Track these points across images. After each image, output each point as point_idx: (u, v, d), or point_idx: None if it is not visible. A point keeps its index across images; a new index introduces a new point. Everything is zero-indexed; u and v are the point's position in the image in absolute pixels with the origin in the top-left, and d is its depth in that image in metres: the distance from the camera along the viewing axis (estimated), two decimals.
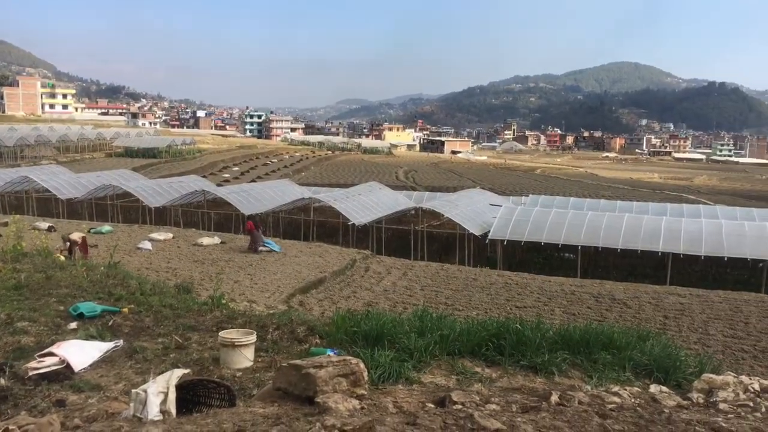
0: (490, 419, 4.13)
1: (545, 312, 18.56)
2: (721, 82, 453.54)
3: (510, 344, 6.86)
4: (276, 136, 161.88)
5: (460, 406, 4.64)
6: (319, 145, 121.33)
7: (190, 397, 5.11)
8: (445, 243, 34.18)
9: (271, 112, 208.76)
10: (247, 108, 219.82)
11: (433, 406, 4.73)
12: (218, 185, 47.12)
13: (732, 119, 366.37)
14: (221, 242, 27.87)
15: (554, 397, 5.03)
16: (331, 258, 25.64)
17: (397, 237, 34.59)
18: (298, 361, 4.90)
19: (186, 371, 5.45)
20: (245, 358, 6.79)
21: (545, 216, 31.43)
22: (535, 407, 4.73)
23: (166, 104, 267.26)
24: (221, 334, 7.05)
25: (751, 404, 5.31)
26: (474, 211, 34.79)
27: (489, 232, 30.68)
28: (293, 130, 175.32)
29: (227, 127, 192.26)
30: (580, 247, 29.04)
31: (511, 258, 31.52)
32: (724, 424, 4.53)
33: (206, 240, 27.78)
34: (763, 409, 5.17)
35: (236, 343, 6.78)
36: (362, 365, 4.90)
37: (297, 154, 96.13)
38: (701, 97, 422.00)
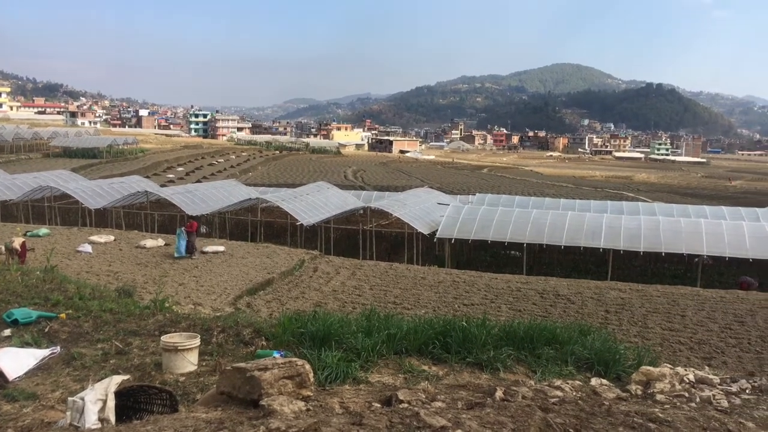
0: (435, 417, 4.16)
1: (492, 309, 18.84)
2: (659, 84, 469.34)
3: (456, 342, 6.93)
4: (222, 135, 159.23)
5: (406, 405, 4.65)
6: (266, 144, 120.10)
7: (130, 404, 4.97)
8: (393, 242, 34.33)
9: (217, 112, 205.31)
10: (192, 107, 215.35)
11: (379, 405, 4.73)
12: (162, 186, 46.07)
13: (669, 119, 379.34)
14: (165, 244, 27.22)
15: (499, 393, 5.10)
16: (279, 259, 25.40)
17: (345, 237, 34.54)
18: (242, 364, 4.83)
19: (126, 377, 5.31)
20: (189, 363, 6.66)
21: (492, 214, 31.91)
22: (480, 403, 4.79)
23: (107, 103, 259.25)
24: (163, 338, 6.89)
25: (686, 395, 5.51)
26: (422, 210, 35.04)
27: (437, 230, 30.95)
28: (240, 129, 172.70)
29: (171, 126, 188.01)
30: (525, 245, 29.58)
31: (459, 256, 31.90)
32: (660, 415, 4.68)
33: (150, 242, 27.10)
34: (698, 399, 5.36)
35: (179, 348, 6.64)
36: (308, 366, 4.87)
37: (244, 153, 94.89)
38: (640, 98, 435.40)
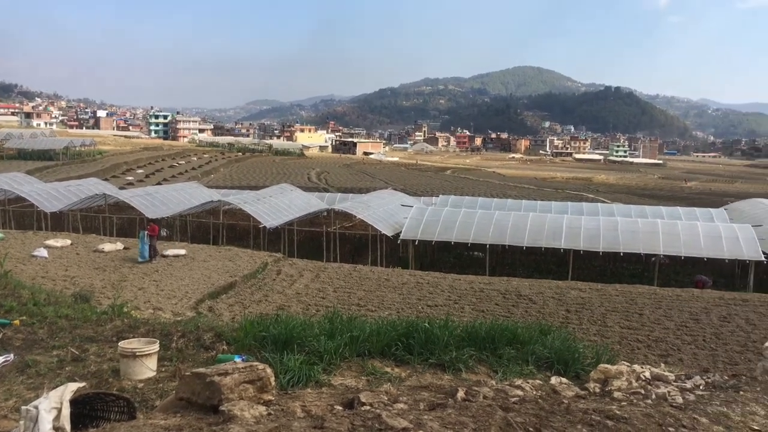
0: (397, 418, 4.17)
1: (455, 310, 18.98)
2: (617, 87, 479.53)
3: (419, 343, 6.96)
4: (183, 137, 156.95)
5: (368, 407, 4.64)
6: (228, 146, 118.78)
7: (86, 412, 4.85)
8: (357, 244, 34.30)
9: (178, 113, 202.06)
10: (152, 108, 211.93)
11: (341, 408, 4.71)
12: (121, 188, 45.18)
13: (627, 122, 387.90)
14: (124, 248, 26.68)
15: (460, 393, 5.13)
16: (241, 262, 25.14)
17: (309, 239, 34.37)
18: (202, 369, 4.75)
19: (82, 385, 5.18)
20: (147, 369, 6.54)
21: (455, 216, 32.15)
22: (441, 404, 4.81)
23: (63, 104, 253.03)
24: (121, 344, 6.76)
25: (643, 392, 5.62)
26: (386, 211, 35.09)
27: (401, 232, 31.04)
28: (201, 131, 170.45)
29: (131, 127, 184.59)
30: (488, 246, 29.88)
31: (423, 258, 32.05)
32: (617, 412, 4.77)
33: (108, 246, 26.53)
34: (654, 396, 5.47)
35: (137, 353, 6.52)
36: (269, 370, 4.82)
37: (206, 155, 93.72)
38: (599, 101, 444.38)
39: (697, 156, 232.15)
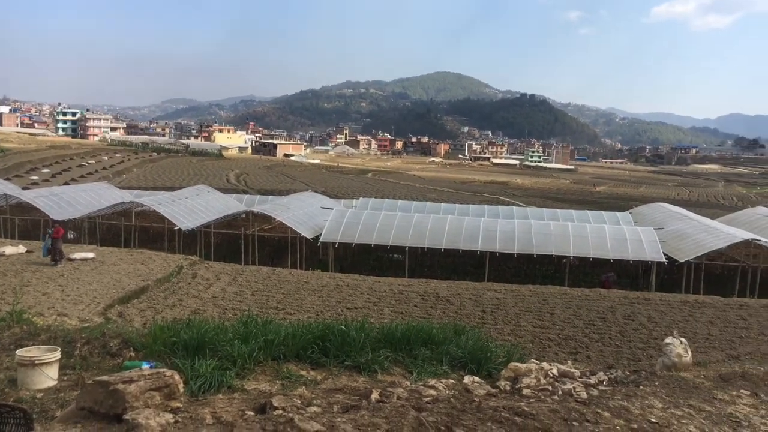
0: (310, 422, 4.13)
1: (375, 312, 19.06)
2: (531, 95, 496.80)
3: (335, 345, 6.92)
4: (94, 135, 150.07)
5: (281, 411, 4.58)
6: (142, 146, 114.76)
7: None
8: (277, 247, 33.89)
9: (88, 110, 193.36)
10: (60, 105, 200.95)
11: (252, 413, 4.62)
12: (24, 188, 42.74)
13: (541, 128, 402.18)
14: (27, 251, 25.22)
15: (375, 395, 5.14)
16: (155, 265, 24.28)
17: (227, 242, 33.66)
18: (105, 377, 4.55)
19: None
20: (47, 378, 6.19)
21: (375, 218, 32.31)
22: (355, 406, 4.80)
23: None
24: (18, 352, 6.38)
25: (550, 388, 5.82)
26: (306, 214, 34.84)
27: (321, 235, 30.89)
28: (114, 129, 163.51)
29: (36, 125, 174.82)
30: (407, 248, 30.20)
31: (343, 260, 32.02)
32: (526, 408, 4.92)
33: (9, 249, 24.99)
34: (560, 392, 5.68)
35: (36, 362, 6.17)
36: (177, 377, 4.68)
37: (118, 155, 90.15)
38: (515, 107, 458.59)
39: (606, 162, 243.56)
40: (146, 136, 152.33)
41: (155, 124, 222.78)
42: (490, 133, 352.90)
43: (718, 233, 31.01)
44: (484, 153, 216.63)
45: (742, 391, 6.42)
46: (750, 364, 9.90)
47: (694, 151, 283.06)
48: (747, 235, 30.08)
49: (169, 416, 4.29)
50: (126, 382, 4.42)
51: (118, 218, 35.09)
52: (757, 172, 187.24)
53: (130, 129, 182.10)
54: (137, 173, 73.06)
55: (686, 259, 28.48)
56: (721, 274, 30.50)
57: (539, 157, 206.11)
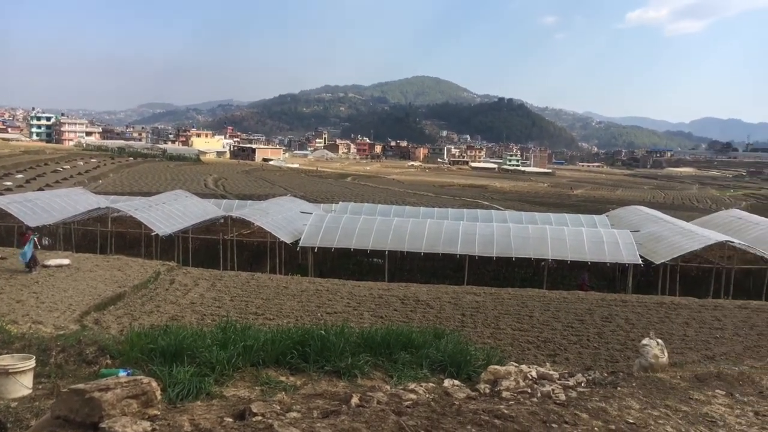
0: (289, 428, 4.10)
1: (355, 316, 19.01)
2: (509, 99, 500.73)
3: (314, 350, 6.90)
4: (69, 140, 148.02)
5: (260, 418, 4.54)
6: (119, 151, 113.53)
7: None
8: (256, 252, 33.69)
9: (63, 114, 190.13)
10: (34, 109, 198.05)
11: (231, 420, 4.57)
12: None
13: (519, 132, 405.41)
14: (1, 258, 24.80)
15: (355, 399, 5.12)
16: (131, 271, 23.99)
17: (205, 247, 33.38)
18: (80, 385, 4.47)
19: None
20: (22, 386, 6.09)
21: (354, 223, 32.27)
22: (335, 411, 4.78)
23: None
24: None
25: (529, 390, 5.85)
26: (285, 218, 34.69)
27: (300, 239, 30.77)
28: (89, 134, 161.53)
29: (10, 129, 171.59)
30: (387, 252, 30.19)
31: (323, 265, 31.91)
32: (505, 411, 4.94)
33: None
34: (539, 394, 5.71)
35: (10, 370, 6.07)
36: (155, 384, 4.61)
37: (93, 160, 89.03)
38: (493, 112, 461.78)
39: (583, 165, 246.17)
40: (123, 141, 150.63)
41: (132, 129, 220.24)
42: (468, 137, 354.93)
43: (693, 235, 31.46)
44: (463, 157, 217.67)
45: (717, 391, 6.52)
46: (725, 365, 10.05)
47: (668, 154, 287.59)
48: (721, 237, 30.55)
49: (146, 424, 4.23)
50: (102, 390, 4.34)
51: (93, 224, 34.64)
52: (730, 175, 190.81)
53: (106, 134, 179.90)
54: (113, 178, 72.25)
55: (662, 261, 28.84)
56: (696, 275, 30.93)
57: (517, 160, 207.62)
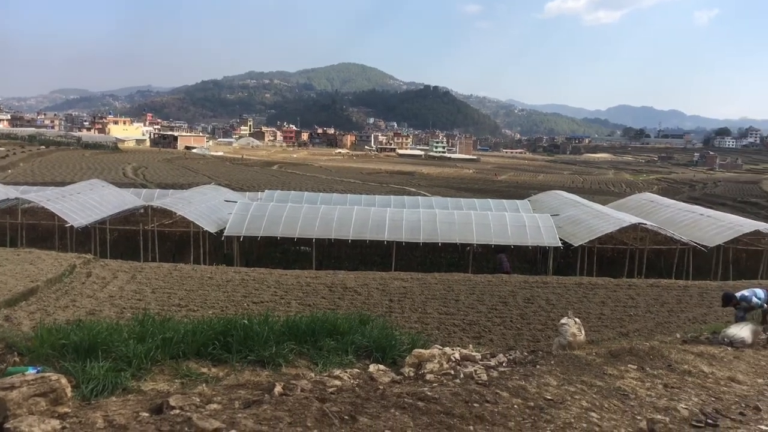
0: (209, 419, 4.01)
1: (282, 305, 18.84)
2: (435, 86, 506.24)
3: (237, 340, 6.75)
4: None
5: (178, 411, 4.41)
6: (29, 138, 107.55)
7: None
8: (178, 242, 32.79)
9: None
10: None
11: (148, 414, 4.42)
12: None
13: (444, 119, 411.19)
14: None
15: (278, 388, 5.06)
16: (44, 265, 22.85)
17: (124, 238, 32.23)
18: None
19: None
20: None
21: (281, 211, 31.89)
22: (258, 401, 4.71)
23: None
24: None
25: (452, 372, 5.95)
26: (209, 207, 33.89)
27: (225, 228, 30.15)
28: None
29: None
30: (314, 240, 30.03)
31: (249, 254, 31.43)
32: (429, 393, 5.00)
33: None
34: (462, 376, 5.82)
35: None
36: (64, 380, 4.40)
37: (1, 149, 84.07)
38: (419, 99, 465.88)
39: (506, 152, 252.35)
40: (33, 129, 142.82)
41: (44, 116, 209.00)
42: (395, 124, 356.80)
43: (609, 218, 32.85)
44: (390, 144, 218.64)
45: (629, 365, 6.83)
46: (637, 341, 10.56)
47: (587, 140, 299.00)
48: (634, 220, 32.04)
49: (55, 422, 4.03)
50: (7, 388, 4.12)
51: (2, 216, 32.72)
52: (643, 160, 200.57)
53: (15, 121, 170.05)
54: (24, 168, 68.54)
55: (580, 243, 29.99)
56: (612, 256, 32.36)
57: (443, 147, 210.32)
